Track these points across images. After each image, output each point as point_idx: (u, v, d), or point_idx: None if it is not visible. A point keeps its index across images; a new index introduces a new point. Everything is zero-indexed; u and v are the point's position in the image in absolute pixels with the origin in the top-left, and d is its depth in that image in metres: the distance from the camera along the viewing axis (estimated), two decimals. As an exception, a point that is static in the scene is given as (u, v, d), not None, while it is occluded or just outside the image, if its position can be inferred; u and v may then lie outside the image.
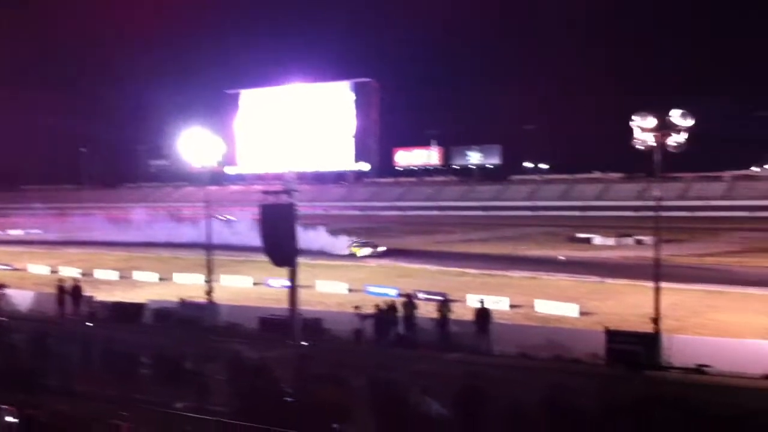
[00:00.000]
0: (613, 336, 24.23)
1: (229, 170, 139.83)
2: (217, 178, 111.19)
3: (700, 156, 60.61)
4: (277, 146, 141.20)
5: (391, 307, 28.78)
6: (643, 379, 21.67)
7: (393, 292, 37.24)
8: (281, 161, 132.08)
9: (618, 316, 31.24)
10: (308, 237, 61.97)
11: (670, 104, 27.51)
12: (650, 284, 26.65)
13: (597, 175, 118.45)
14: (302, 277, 27.97)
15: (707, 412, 13.88)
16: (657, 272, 25.83)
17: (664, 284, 26.64)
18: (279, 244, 24.88)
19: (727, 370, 22.23)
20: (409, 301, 29.38)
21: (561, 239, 68.67)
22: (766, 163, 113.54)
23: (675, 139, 26.90)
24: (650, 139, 27.00)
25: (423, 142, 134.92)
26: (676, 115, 27.07)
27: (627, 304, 34.46)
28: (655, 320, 24.60)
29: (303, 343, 24.87)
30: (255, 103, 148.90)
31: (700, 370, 22.47)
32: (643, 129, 26.99)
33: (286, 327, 26.09)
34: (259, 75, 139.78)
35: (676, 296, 33.93)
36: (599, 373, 22.04)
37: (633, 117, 26.48)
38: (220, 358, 19.49)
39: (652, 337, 23.96)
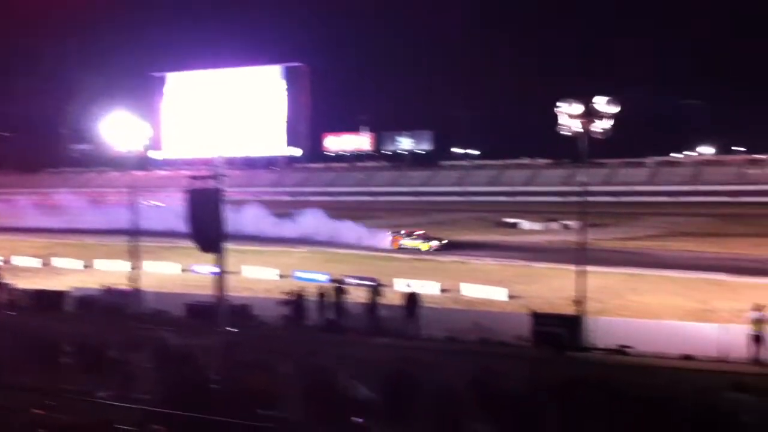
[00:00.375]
0: (539, 319, 24.72)
1: (154, 155, 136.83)
2: (142, 163, 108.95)
3: (624, 142, 62.00)
4: (206, 131, 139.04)
5: (320, 293, 28.84)
6: (567, 361, 22.19)
7: (323, 277, 37.16)
8: (210, 146, 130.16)
9: (544, 299, 31.85)
10: (342, 229, 57.40)
11: (595, 91, 28.10)
12: (576, 268, 27.19)
13: (525, 161, 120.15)
14: (231, 263, 27.64)
15: (628, 393, 14.32)
16: (581, 256, 26.39)
17: (588, 268, 27.27)
18: (206, 229, 24.48)
19: (647, 350, 22.96)
20: (339, 287, 29.42)
21: (490, 224, 69.49)
22: (686, 150, 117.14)
23: (600, 126, 27.47)
24: (576, 126, 27.50)
25: (355, 128, 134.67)
26: (601, 102, 27.63)
27: (553, 287, 35.05)
28: (579, 303, 25.18)
29: (230, 329, 24.61)
30: (182, 86, 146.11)
31: (621, 350, 23.16)
32: (569, 115, 27.49)
33: (213, 314, 25.75)
34: (186, 57, 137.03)
35: (601, 279, 34.68)
36: (525, 355, 22.44)
37: (558, 103, 26.96)
38: (146, 346, 19.18)
39: (575, 320, 24.54)
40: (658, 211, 78.20)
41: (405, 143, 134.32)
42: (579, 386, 14.31)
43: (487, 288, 34.88)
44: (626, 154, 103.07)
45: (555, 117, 28.09)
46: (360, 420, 14.31)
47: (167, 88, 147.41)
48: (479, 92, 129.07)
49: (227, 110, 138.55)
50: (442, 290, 35.43)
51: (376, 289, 29.74)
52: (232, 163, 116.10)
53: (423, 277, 37.32)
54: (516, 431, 13.37)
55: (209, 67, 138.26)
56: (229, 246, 25.39)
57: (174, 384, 16.06)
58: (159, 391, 16.21)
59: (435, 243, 50.94)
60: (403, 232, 54.06)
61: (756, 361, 22.58)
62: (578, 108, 27.66)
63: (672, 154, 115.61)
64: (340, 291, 28.97)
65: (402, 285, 34.13)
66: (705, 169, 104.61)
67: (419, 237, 52.32)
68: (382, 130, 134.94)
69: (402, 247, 51.33)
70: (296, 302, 28.28)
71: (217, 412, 13.90)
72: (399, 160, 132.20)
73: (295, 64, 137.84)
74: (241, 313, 27.52)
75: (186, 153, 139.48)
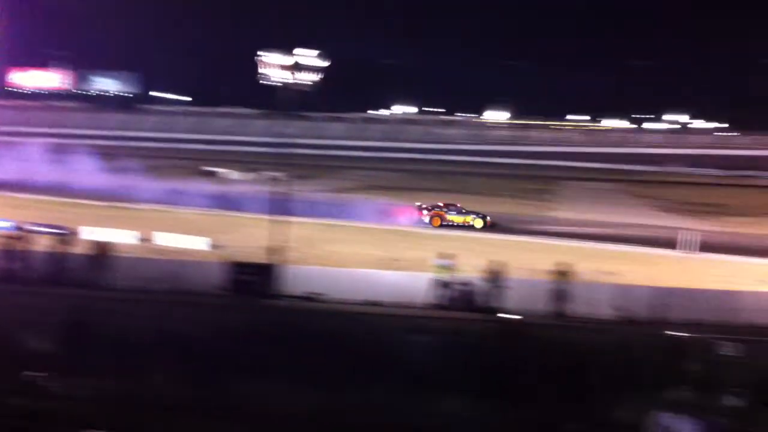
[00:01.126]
0: (236, 267, 24.92)
1: None
2: None
3: (327, 97, 63.69)
4: None
5: None
6: (260, 308, 22.60)
7: (5, 224, 34.11)
8: None
9: (245, 249, 31.84)
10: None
11: (300, 44, 28.42)
12: (276, 218, 27.59)
13: (232, 109, 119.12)
14: None
15: (316, 335, 14.94)
16: (280, 206, 26.85)
17: (289, 218, 27.76)
18: None
19: (338, 297, 24.06)
20: (21, 235, 27.29)
21: (190, 172, 67.94)
22: (384, 108, 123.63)
23: (307, 78, 27.85)
24: (282, 77, 27.65)
25: (57, 64, 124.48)
26: (307, 55, 27.98)
27: (254, 236, 35.09)
28: (274, 252, 25.69)
29: None
30: None
31: (312, 297, 24.09)
32: (277, 66, 27.54)
33: None
34: None
35: (300, 229, 35.41)
36: (219, 304, 22.53)
37: (261, 53, 26.90)
38: None
39: (270, 268, 25.04)
40: (358, 165, 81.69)
41: (108, 84, 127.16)
42: (265, 327, 14.66)
43: (187, 237, 34.27)
44: (329, 109, 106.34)
45: (263, 66, 28.02)
46: (36, 374, 13.40)
47: None
48: (188, 38, 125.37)
49: None
50: (140, 239, 34.22)
51: (64, 238, 27.99)
52: None
53: (120, 225, 35.71)
54: (202, 375, 13.35)
55: None
56: None
57: None
58: None
59: (488, 218, 43.94)
60: (426, 205, 44.73)
61: (436, 306, 24.54)
62: (285, 59, 27.79)
63: (371, 111, 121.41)
64: (22, 239, 26.86)
65: (94, 233, 32.41)
66: (403, 127, 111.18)
67: (468, 212, 44.23)
68: (85, 69, 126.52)
69: (447, 224, 43.24)
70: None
71: None
72: (102, 102, 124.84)
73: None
74: None
75: None
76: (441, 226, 42.94)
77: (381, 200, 48.29)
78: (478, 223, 43.34)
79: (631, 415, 11.45)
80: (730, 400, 13.66)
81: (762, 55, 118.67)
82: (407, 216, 44.17)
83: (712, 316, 23.10)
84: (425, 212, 43.96)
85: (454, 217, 43.60)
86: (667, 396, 10.86)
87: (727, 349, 15.87)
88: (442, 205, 44.88)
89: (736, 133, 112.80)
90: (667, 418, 9.70)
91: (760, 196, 71.08)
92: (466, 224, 43.19)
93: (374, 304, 24.07)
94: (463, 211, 44.21)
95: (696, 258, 35.99)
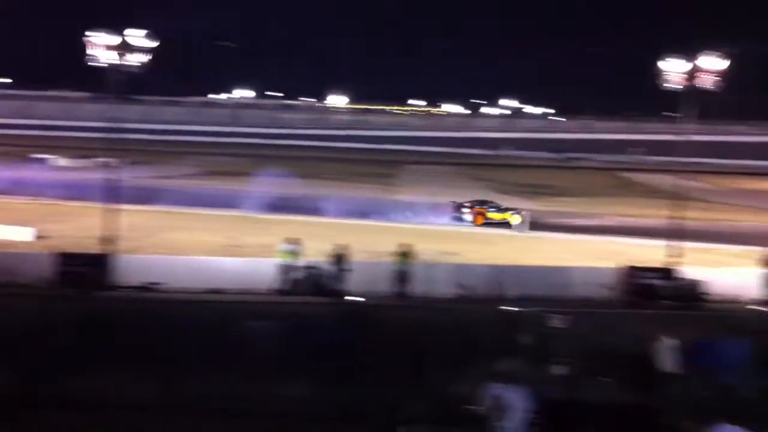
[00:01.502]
0: (65, 258, 23.83)
1: None
2: None
3: (163, 80, 61.86)
4: None
5: None
6: (92, 299, 21.71)
7: None
8: None
9: (75, 239, 30.46)
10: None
11: (132, 23, 27.29)
12: (110, 206, 26.55)
13: (60, 93, 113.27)
14: None
15: (152, 322, 14.57)
16: (112, 194, 25.84)
17: (123, 206, 26.73)
18: None
19: (177, 286, 23.42)
20: None
21: (17, 159, 64.10)
22: (224, 92, 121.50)
23: (136, 60, 26.80)
24: (109, 58, 26.53)
25: None
26: (137, 35, 26.95)
27: (85, 226, 33.60)
28: (107, 241, 24.76)
29: None
30: None
31: (149, 287, 23.37)
32: (101, 46, 26.39)
33: None
34: None
35: (136, 217, 34.37)
36: (46, 296, 21.49)
37: (89, 33, 25.71)
38: None
39: (103, 258, 24.13)
40: (197, 151, 79.97)
41: None
42: (99, 322, 14.12)
43: (11, 228, 32.30)
44: (165, 93, 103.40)
45: (90, 47, 26.75)
46: None
47: None
48: (9, 14, 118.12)
49: None
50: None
51: None
52: None
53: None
54: (28, 370, 12.69)
55: None
56: None
57: None
58: None
59: (525, 213, 42.30)
60: (466, 203, 43.18)
61: (281, 291, 24.36)
62: (112, 39, 26.67)
63: (211, 96, 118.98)
64: None
65: None
66: (243, 112, 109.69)
67: (506, 208, 42.69)
68: None
69: (488, 222, 41.50)
70: None
71: None
72: None
73: None
74: None
75: None
76: (483, 224, 41.46)
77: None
78: (516, 219, 41.68)
79: (467, 389, 11.83)
80: (557, 370, 14.46)
81: (589, 44, 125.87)
82: (442, 214, 42.82)
83: (543, 291, 24.19)
84: (466, 210, 42.55)
85: (494, 215, 42.20)
86: (500, 368, 11.34)
87: (556, 321, 16.65)
88: (482, 202, 44.02)
89: (563, 119, 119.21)
90: (497, 389, 10.10)
91: (587, 177, 75.84)
92: (504, 221, 41.63)
93: (216, 291, 23.62)
94: (501, 207, 43.04)
95: (530, 237, 37.76)
